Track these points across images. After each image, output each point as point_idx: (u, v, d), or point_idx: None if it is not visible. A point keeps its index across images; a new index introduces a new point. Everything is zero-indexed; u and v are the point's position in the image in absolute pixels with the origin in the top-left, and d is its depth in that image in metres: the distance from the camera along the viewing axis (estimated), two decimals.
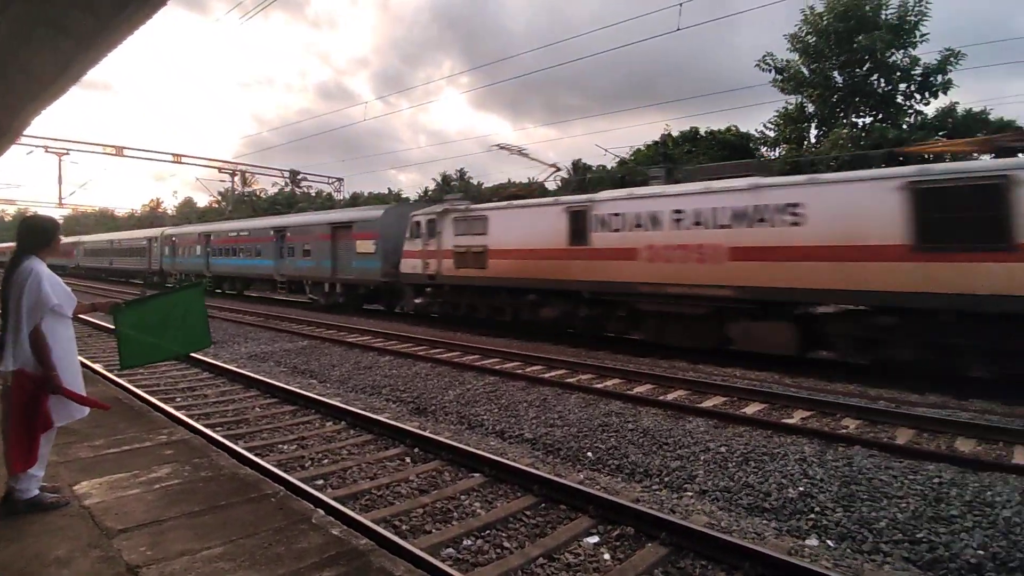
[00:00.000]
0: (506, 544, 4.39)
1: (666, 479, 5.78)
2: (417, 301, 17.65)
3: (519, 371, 10.22)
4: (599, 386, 9.11)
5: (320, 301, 22.30)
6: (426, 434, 6.68)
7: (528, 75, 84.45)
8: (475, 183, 39.44)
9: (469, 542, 4.42)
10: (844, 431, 6.95)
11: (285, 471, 5.53)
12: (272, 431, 7.23)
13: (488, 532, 4.58)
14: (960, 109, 22.02)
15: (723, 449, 6.31)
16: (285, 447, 6.61)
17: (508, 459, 5.95)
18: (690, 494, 5.49)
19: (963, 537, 4.46)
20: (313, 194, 47.38)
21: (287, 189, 47.67)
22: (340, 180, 41.23)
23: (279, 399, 8.71)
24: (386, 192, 47.12)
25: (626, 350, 12.52)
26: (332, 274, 21.26)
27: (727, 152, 25.21)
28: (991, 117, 21.65)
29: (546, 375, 9.97)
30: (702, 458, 6.13)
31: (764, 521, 4.95)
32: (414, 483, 5.53)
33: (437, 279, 16.55)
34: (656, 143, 27.72)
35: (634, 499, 5.21)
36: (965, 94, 30.38)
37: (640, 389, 9.02)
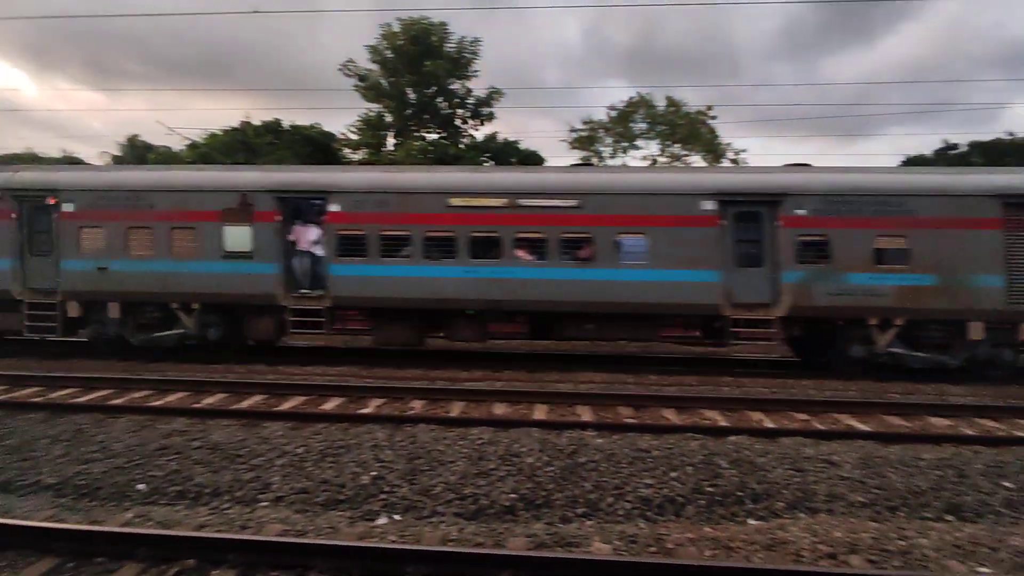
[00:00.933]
0: None
1: (238, 494, 5.31)
2: None
3: (37, 399, 7.92)
4: (158, 403, 7.81)
5: None
6: None
7: (61, 19, 66.28)
8: None
9: None
10: (412, 411, 7.72)
11: None
12: None
13: None
14: (500, 137, 27.46)
15: (300, 450, 6.18)
16: None
17: (11, 518, 4.46)
18: (265, 504, 5.17)
19: (499, 486, 5.44)
20: None
21: None
22: None
23: None
24: None
25: (195, 358, 11.12)
26: None
27: (311, 148, 25.30)
28: (521, 146, 27.71)
29: (81, 399, 8.03)
30: (278, 463, 5.86)
31: (340, 513, 5.03)
32: None
33: None
34: (235, 129, 25.70)
35: (197, 526, 4.59)
36: (505, 125, 38.39)
37: (210, 400, 8.13)
